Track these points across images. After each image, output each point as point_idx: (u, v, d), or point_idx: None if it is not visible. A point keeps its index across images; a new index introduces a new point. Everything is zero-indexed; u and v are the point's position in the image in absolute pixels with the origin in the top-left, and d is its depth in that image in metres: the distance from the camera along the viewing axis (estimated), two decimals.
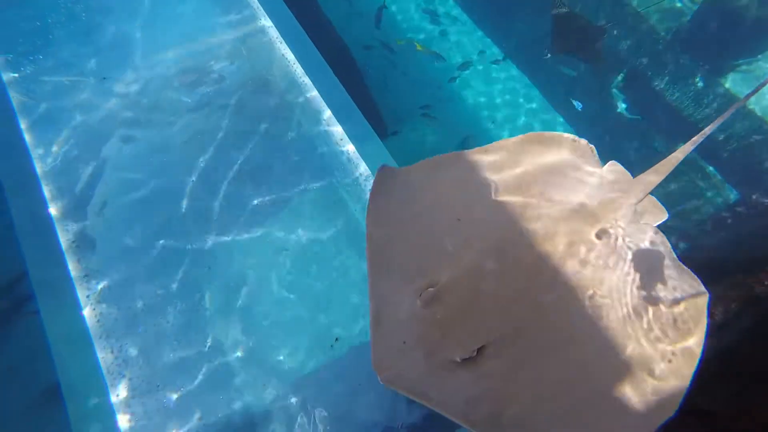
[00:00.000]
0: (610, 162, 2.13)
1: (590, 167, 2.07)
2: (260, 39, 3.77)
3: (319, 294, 2.90)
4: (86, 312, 2.85)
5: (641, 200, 1.95)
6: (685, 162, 2.09)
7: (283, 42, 3.73)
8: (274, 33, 3.80)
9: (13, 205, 3.04)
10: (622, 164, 2.15)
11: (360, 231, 3.06)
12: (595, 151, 2.14)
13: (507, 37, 6.89)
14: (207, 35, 3.73)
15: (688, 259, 1.87)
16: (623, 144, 5.96)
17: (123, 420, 2.61)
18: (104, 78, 3.49)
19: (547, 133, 2.14)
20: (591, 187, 1.98)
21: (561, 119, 6.51)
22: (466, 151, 2.14)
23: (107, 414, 2.62)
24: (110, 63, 3.55)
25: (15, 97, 3.34)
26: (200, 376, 2.70)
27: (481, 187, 1.94)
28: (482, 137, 6.44)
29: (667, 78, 5.35)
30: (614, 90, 5.97)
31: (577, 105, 5.63)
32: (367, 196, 3.13)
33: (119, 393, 2.65)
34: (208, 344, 2.78)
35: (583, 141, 2.11)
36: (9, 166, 3.18)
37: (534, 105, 6.65)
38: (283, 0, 3.87)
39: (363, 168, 3.26)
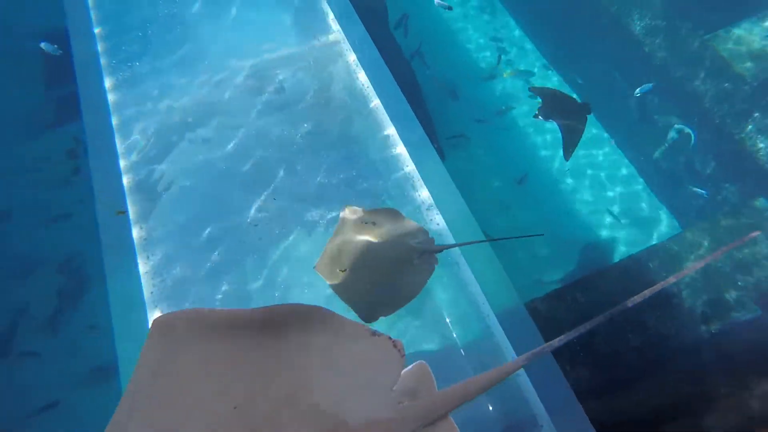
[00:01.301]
0: (416, 363, 1.70)
1: (384, 369, 1.62)
2: (328, 51, 3.92)
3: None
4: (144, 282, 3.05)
5: (431, 423, 1.54)
6: None
7: (355, 59, 3.84)
8: (344, 46, 3.93)
9: (97, 190, 3.34)
10: None
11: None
12: (402, 348, 1.69)
13: (584, 79, 6.66)
14: (278, 45, 3.93)
15: None
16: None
17: None
18: (185, 81, 3.78)
19: (338, 320, 1.66)
20: (367, 398, 1.56)
21: (629, 166, 6.22)
22: (244, 315, 1.63)
23: None
24: (190, 67, 3.85)
25: (111, 98, 3.70)
26: None
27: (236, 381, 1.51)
28: (542, 178, 6.27)
29: None
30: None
31: (702, 193, 5.22)
32: (425, 219, 3.12)
33: None
34: None
35: (384, 336, 1.67)
36: (99, 160, 3.49)
37: (600, 155, 6.37)
38: (357, 14, 4.01)
39: (424, 193, 3.23)
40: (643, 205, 6.04)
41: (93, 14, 4.03)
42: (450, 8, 5.74)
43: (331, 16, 4.06)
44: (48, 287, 5.17)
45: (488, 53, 7.32)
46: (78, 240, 5.21)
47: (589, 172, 6.30)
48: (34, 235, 5.36)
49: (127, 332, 2.89)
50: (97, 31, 3.92)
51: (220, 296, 3.01)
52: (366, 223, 2.72)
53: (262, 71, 3.81)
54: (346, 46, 3.90)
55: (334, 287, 2.58)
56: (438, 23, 7.67)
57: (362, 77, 3.75)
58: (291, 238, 3.15)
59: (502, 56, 7.10)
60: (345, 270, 2.55)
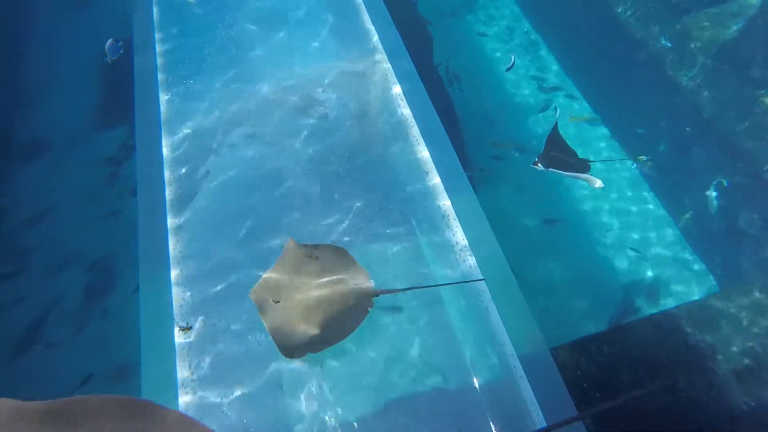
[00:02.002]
0: None
1: None
2: (373, 78, 4.00)
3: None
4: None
5: None
6: None
7: (399, 89, 3.91)
8: (389, 75, 4.01)
9: (140, 194, 3.47)
10: None
11: (440, 297, 3.00)
12: None
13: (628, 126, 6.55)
14: (323, 69, 4.05)
15: None
16: None
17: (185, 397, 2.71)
18: (233, 100, 3.94)
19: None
20: None
21: (667, 217, 6.04)
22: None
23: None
24: (239, 87, 4.00)
25: (163, 112, 3.88)
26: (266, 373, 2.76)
27: None
28: (575, 220, 6.14)
29: None
30: None
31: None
32: (457, 259, 3.09)
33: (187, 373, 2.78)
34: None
35: None
36: (145, 167, 3.64)
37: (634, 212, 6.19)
38: (403, 42, 4.10)
39: (458, 233, 3.19)
40: (680, 258, 5.83)
41: (157, 31, 4.28)
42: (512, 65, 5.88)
43: (378, 45, 4.18)
44: (77, 283, 5.34)
45: (527, 91, 7.34)
46: (113, 240, 5.40)
47: (624, 219, 6.14)
48: (73, 231, 5.58)
49: (152, 335, 2.94)
50: (158, 48, 4.16)
51: (245, 316, 3.03)
52: (309, 257, 2.74)
53: (307, 95, 3.92)
54: (390, 75, 3.99)
55: (263, 317, 2.58)
56: (479, 56, 7.77)
57: (404, 107, 3.81)
58: None
59: (553, 102, 7.06)
60: (278, 302, 2.57)
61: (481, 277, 2.94)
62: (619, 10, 6.15)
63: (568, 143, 4.22)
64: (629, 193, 6.22)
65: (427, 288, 2.88)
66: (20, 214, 5.60)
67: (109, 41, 4.78)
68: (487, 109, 6.97)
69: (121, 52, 4.79)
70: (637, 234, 6.02)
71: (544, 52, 7.66)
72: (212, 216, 3.40)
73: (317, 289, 2.62)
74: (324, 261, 2.73)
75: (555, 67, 7.47)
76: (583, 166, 4.21)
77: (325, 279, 2.66)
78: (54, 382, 4.76)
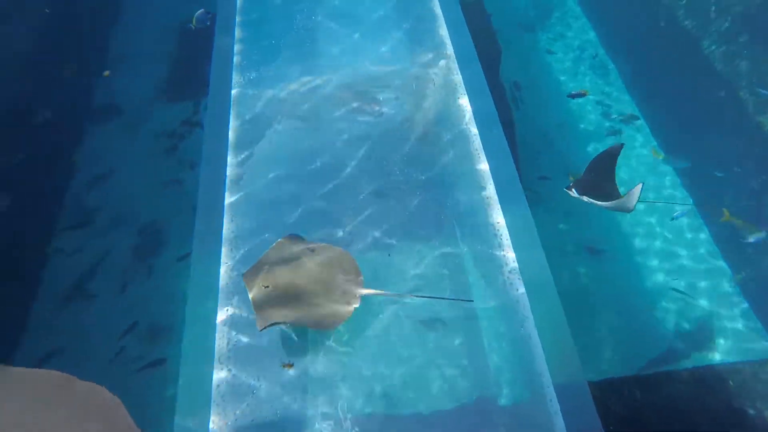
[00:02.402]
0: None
1: None
2: (439, 84, 3.98)
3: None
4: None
5: None
6: None
7: (467, 100, 3.86)
8: (457, 82, 3.97)
9: (204, 167, 3.62)
10: None
11: (480, 317, 2.95)
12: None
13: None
14: (392, 70, 4.08)
15: None
16: None
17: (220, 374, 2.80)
18: (301, 89, 4.04)
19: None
20: None
21: (726, 270, 5.67)
22: None
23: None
24: (309, 78, 4.10)
25: (234, 94, 4.03)
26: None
27: None
28: (621, 252, 5.88)
29: None
30: None
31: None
32: (504, 281, 3.02)
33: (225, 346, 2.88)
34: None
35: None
36: (213, 134, 3.79)
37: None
38: (476, 55, 4.05)
39: (510, 256, 3.12)
40: (734, 313, 5.46)
41: (238, 15, 4.45)
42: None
43: (451, 54, 4.15)
44: (128, 243, 5.60)
45: (591, 116, 7.09)
46: (167, 208, 5.65)
47: (676, 262, 5.82)
48: (131, 194, 5.87)
49: (197, 304, 3.05)
50: (237, 33, 4.32)
51: None
52: (307, 249, 2.86)
53: (371, 95, 3.96)
54: (459, 85, 3.96)
55: (252, 298, 2.70)
56: (546, 75, 7.58)
57: (469, 120, 3.77)
58: (366, 260, 3.19)
59: (619, 132, 6.78)
60: (268, 287, 2.68)
61: (470, 299, 2.90)
62: (704, 44, 5.83)
63: (615, 173, 3.80)
64: (688, 236, 5.89)
65: (429, 298, 2.87)
66: (88, 171, 5.95)
67: (201, 11, 5.05)
68: (547, 128, 6.78)
69: (208, 24, 5.03)
70: (687, 278, 5.69)
71: (613, 77, 7.37)
72: (266, 201, 3.50)
73: (306, 278, 2.73)
74: (321, 255, 2.84)
75: (625, 96, 7.17)
76: (617, 196, 3.70)
77: (317, 268, 2.77)
78: (94, 331, 5.02)
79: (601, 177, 3.76)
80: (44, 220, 5.62)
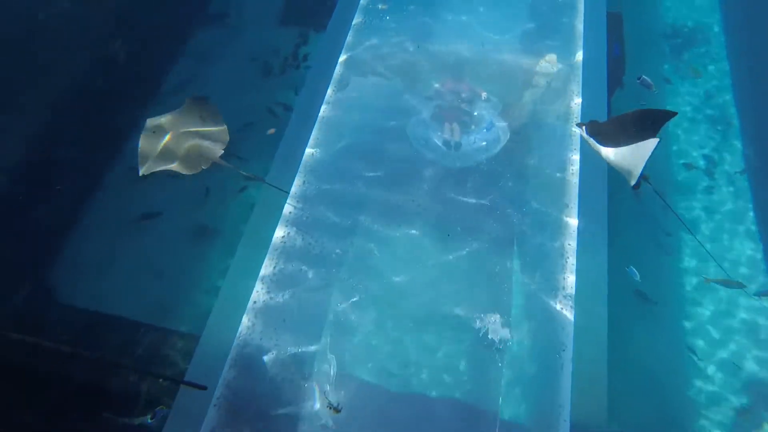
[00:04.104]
0: None
1: None
2: (554, 81, 3.81)
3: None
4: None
5: None
6: None
7: (579, 95, 3.66)
8: (574, 82, 3.78)
9: (298, 108, 3.73)
10: None
11: (512, 323, 2.90)
12: None
13: None
14: (508, 55, 3.93)
15: None
16: None
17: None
18: (409, 42, 4.04)
19: None
20: None
21: None
22: None
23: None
24: (417, 36, 4.05)
25: (349, 36, 4.05)
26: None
27: None
28: (673, 301, 5.48)
29: None
30: None
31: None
32: (555, 305, 2.93)
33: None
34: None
35: None
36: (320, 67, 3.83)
37: None
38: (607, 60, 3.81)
39: (569, 281, 3.00)
40: None
41: None
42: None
43: (578, 52, 3.90)
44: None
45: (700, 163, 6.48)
46: (248, 132, 5.79)
47: (734, 337, 5.32)
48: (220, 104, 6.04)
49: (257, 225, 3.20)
50: None
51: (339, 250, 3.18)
52: (198, 115, 3.39)
53: (479, 79, 3.83)
54: (576, 85, 3.73)
55: (142, 141, 3.31)
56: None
57: (575, 133, 3.57)
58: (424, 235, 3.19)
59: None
60: (155, 132, 3.32)
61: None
62: None
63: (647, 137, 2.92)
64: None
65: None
66: (185, 72, 6.17)
67: None
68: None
69: None
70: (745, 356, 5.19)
71: (736, 140, 6.68)
72: (346, 163, 3.54)
73: (181, 136, 3.31)
74: (204, 120, 3.36)
75: (737, 168, 6.45)
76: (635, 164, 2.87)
77: (192, 133, 3.32)
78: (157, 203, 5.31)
79: (626, 131, 3.01)
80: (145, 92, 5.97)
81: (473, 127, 3.59)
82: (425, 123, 3.66)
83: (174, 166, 3.25)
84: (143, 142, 3.32)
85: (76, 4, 4.52)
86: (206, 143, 3.30)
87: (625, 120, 3.02)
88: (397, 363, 2.82)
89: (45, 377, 3.88)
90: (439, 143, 3.56)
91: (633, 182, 2.77)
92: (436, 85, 3.81)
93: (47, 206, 4.86)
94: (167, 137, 3.34)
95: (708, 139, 6.75)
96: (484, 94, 3.71)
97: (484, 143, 3.54)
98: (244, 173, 3.23)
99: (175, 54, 6.30)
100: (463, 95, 3.72)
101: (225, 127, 3.36)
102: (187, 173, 3.24)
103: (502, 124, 3.61)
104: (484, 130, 3.58)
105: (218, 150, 3.26)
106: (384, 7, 4.20)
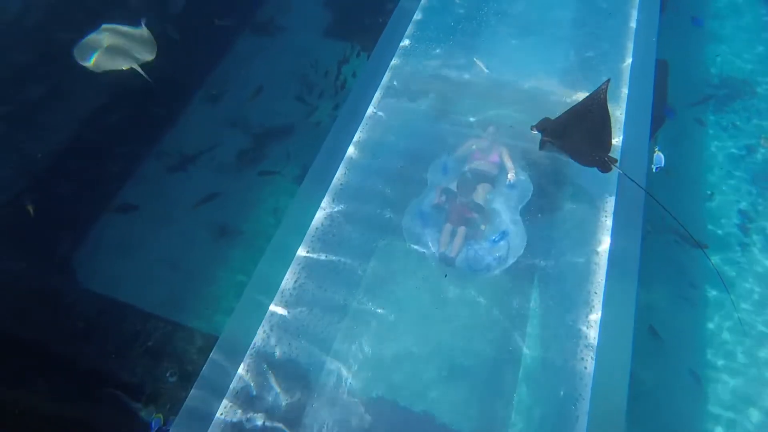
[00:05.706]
0: None
1: None
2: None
3: None
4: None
5: None
6: None
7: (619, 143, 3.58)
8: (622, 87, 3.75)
9: (346, 108, 3.85)
10: None
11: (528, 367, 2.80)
12: None
13: None
14: (553, 82, 3.94)
15: None
16: None
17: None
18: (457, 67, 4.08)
19: None
20: None
21: None
22: None
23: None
24: (464, 62, 4.08)
25: (397, 55, 4.10)
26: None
27: None
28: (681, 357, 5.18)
29: None
30: None
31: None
32: (575, 350, 2.83)
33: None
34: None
35: None
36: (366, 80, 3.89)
37: None
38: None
39: (593, 332, 2.89)
40: None
41: None
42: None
43: (625, 74, 3.85)
44: (241, 144, 5.93)
45: (727, 222, 6.26)
46: (296, 126, 5.85)
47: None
48: (272, 106, 6.13)
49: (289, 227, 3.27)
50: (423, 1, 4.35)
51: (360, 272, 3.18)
52: (131, 33, 4.21)
53: (524, 102, 3.83)
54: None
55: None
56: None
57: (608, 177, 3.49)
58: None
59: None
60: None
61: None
62: None
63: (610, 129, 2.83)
64: None
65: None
66: (237, 74, 6.34)
67: None
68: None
69: None
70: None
71: None
72: (386, 165, 3.58)
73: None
74: (138, 37, 4.12)
75: None
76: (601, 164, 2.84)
77: (123, 36, 4.08)
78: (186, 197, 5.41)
79: (584, 130, 2.91)
80: (191, 86, 6.10)
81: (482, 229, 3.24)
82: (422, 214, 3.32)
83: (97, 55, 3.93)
84: (88, 39, 4.03)
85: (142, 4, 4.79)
86: (130, 45, 4.03)
87: (580, 113, 3.05)
88: (409, 393, 2.77)
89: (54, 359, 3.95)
90: (434, 250, 3.18)
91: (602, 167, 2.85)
92: (480, 113, 3.78)
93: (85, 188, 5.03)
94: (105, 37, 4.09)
95: (751, 193, 6.50)
96: (511, 174, 3.35)
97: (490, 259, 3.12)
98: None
99: (218, 57, 6.51)
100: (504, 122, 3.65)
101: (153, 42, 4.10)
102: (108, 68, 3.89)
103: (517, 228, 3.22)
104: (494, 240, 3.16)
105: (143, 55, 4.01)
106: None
